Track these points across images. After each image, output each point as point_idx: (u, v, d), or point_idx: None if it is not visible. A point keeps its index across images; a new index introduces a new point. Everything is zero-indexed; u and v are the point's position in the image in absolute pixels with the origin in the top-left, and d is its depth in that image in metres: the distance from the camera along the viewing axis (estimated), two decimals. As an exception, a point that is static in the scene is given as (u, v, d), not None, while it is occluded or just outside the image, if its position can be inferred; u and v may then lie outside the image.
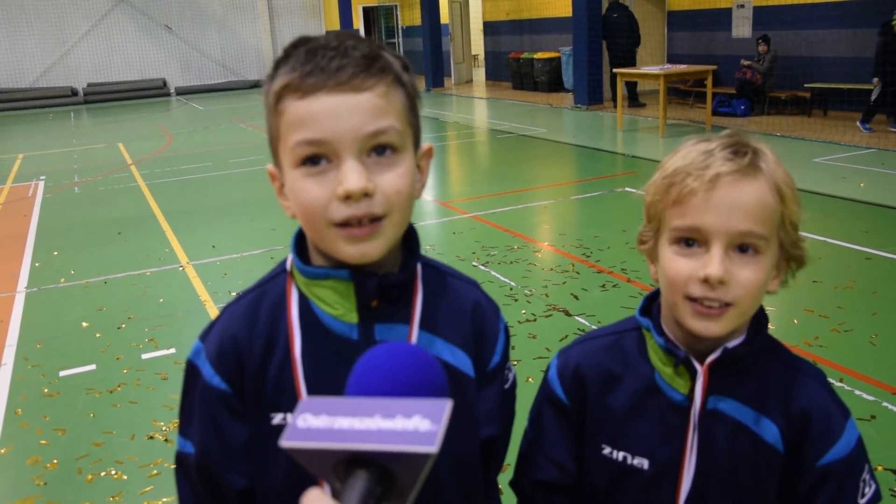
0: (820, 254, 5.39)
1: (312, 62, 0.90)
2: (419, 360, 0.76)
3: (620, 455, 1.10)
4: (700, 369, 1.04)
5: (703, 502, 1.06)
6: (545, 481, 1.16)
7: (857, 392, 3.47)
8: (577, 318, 4.46)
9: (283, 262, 1.05)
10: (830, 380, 3.85)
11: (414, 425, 0.63)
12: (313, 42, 0.93)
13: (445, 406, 0.65)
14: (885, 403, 3.37)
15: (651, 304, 1.12)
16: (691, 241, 0.99)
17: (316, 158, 0.90)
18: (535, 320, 4.45)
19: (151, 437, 3.45)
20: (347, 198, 0.88)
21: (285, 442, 0.64)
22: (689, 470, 1.05)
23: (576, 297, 4.77)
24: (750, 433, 1.04)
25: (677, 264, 1.00)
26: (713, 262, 0.96)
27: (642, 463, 1.08)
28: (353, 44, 0.92)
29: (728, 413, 1.05)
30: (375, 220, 0.91)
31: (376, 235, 0.92)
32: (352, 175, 0.88)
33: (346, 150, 0.89)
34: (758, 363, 1.06)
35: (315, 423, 0.65)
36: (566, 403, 1.14)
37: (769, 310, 3.95)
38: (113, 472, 3.20)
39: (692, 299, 0.99)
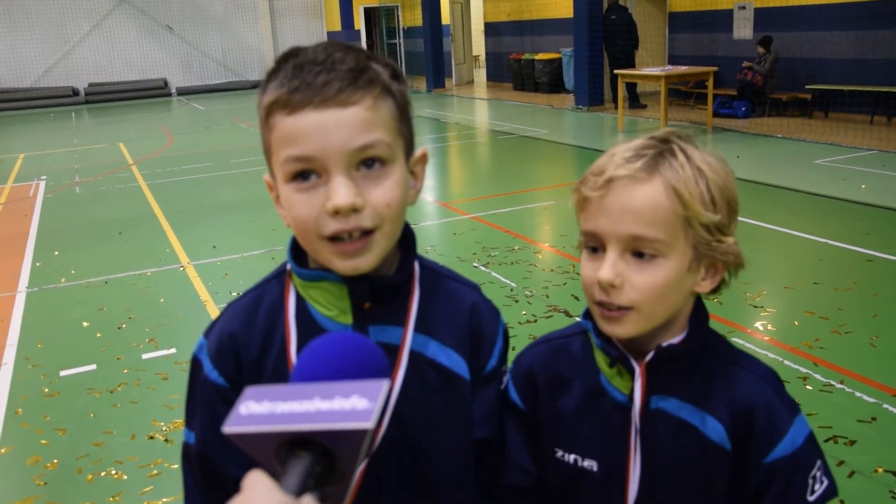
0: (821, 255, 5.39)
1: (299, 78, 0.90)
2: (359, 345, 0.78)
3: (571, 457, 1.10)
4: (638, 368, 1.04)
5: (653, 502, 1.06)
6: (513, 486, 1.16)
7: (858, 394, 3.46)
8: (577, 319, 4.45)
9: (284, 264, 1.07)
10: (831, 381, 3.83)
11: (351, 404, 0.65)
12: (301, 55, 0.93)
13: (382, 385, 0.67)
14: (885, 405, 3.36)
15: None
16: (596, 246, 1.01)
17: (305, 174, 0.91)
18: (535, 321, 4.45)
19: (152, 437, 3.45)
20: (336, 213, 0.90)
21: (227, 428, 0.66)
22: (634, 470, 1.06)
23: (576, 298, 4.76)
24: (695, 432, 1.04)
25: (585, 269, 1.03)
26: (603, 267, 0.98)
27: (592, 465, 1.09)
28: (340, 57, 0.92)
29: (671, 412, 1.05)
30: (366, 233, 0.92)
31: (367, 249, 0.93)
32: (340, 190, 0.89)
33: (335, 165, 0.90)
34: (702, 361, 1.06)
35: (257, 410, 0.67)
36: (522, 407, 1.15)
37: (769, 311, 3.92)
38: (113, 472, 3.20)
39: (598, 303, 1.01)
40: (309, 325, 1.01)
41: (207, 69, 22.92)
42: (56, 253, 6.53)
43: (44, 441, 3.49)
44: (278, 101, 0.91)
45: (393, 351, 1.01)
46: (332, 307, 1.00)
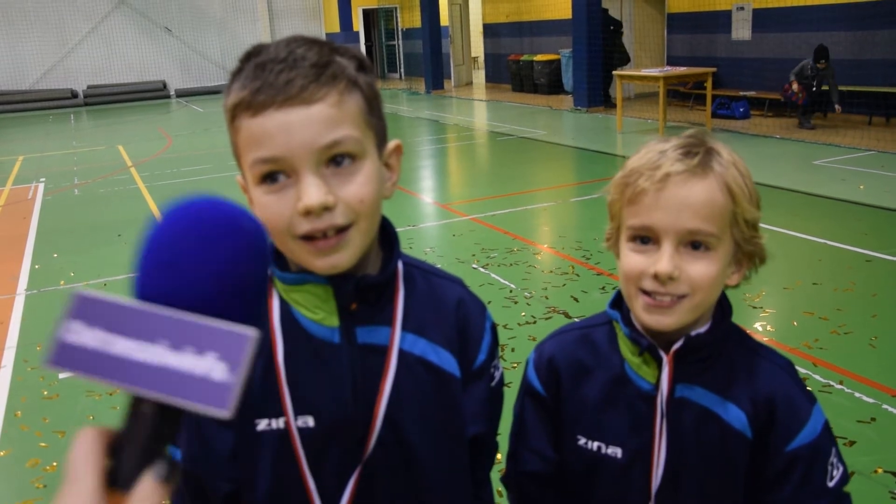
0: (820, 256, 5.40)
1: (261, 78, 0.88)
2: (223, 229, 0.59)
3: (595, 445, 1.13)
4: (665, 357, 1.07)
5: (675, 489, 1.08)
6: (532, 473, 1.18)
7: (857, 394, 3.47)
8: (576, 319, 4.45)
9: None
10: (830, 382, 3.82)
11: (206, 369, 0.51)
12: (263, 54, 0.91)
13: (247, 342, 0.52)
14: (885, 406, 3.36)
15: (622, 297, 1.16)
16: (646, 238, 1.03)
17: (274, 175, 0.89)
18: (534, 322, 4.45)
19: (151, 440, 3.44)
20: (308, 213, 0.88)
21: (47, 364, 0.52)
22: (659, 457, 1.08)
23: (576, 300, 4.77)
24: (718, 420, 1.07)
25: (632, 260, 1.04)
26: (662, 260, 1.00)
27: (616, 452, 1.11)
28: (302, 52, 0.89)
29: (695, 400, 1.08)
30: (341, 230, 0.90)
31: (343, 246, 0.91)
32: (310, 190, 0.87)
33: (303, 164, 0.88)
34: (724, 351, 1.10)
35: (88, 340, 0.52)
36: (544, 395, 1.18)
37: (769, 311, 3.92)
38: (112, 475, 3.20)
39: (645, 292, 1.03)
40: (294, 329, 1.00)
41: (206, 71, 22.91)
42: (55, 255, 6.53)
43: (43, 444, 3.48)
44: (241, 103, 0.89)
45: (382, 351, 1.00)
46: (317, 310, 0.99)
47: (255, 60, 0.90)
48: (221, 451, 1.01)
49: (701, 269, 1.01)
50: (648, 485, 1.09)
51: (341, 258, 0.92)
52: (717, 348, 1.08)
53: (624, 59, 13.70)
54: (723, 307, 1.11)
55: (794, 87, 10.27)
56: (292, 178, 0.89)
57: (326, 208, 0.88)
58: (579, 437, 1.14)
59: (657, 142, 1.06)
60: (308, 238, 0.90)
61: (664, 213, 1.00)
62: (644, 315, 1.04)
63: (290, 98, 0.87)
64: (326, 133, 0.88)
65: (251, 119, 0.89)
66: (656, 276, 1.00)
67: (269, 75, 0.88)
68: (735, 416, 1.06)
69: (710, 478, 1.07)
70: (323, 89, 0.88)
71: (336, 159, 0.90)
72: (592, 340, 1.17)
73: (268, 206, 0.90)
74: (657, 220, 1.00)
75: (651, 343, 1.07)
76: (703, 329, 1.07)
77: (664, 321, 1.02)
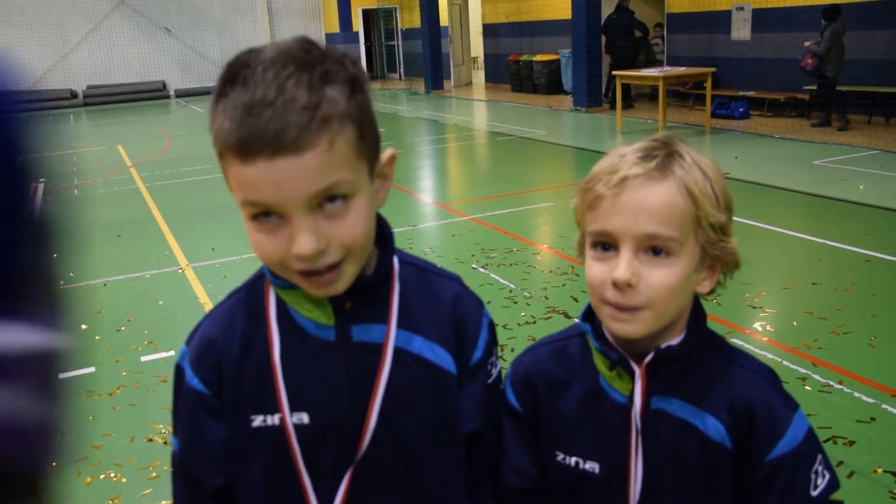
0: (819, 256, 5.40)
1: (249, 125, 0.84)
2: None
3: (572, 460, 1.11)
4: (637, 370, 1.05)
5: (656, 502, 1.06)
6: (513, 489, 1.16)
7: (857, 394, 3.47)
8: (576, 320, 4.45)
9: (263, 266, 1.06)
10: (830, 382, 3.82)
11: None
12: (250, 87, 0.85)
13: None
14: (884, 405, 3.36)
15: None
16: (606, 245, 1.01)
17: (267, 213, 0.90)
18: (534, 322, 4.45)
19: (151, 440, 3.44)
20: (301, 259, 0.89)
21: None
22: (636, 472, 1.06)
23: (575, 300, 4.77)
24: (695, 431, 1.04)
25: (594, 269, 1.02)
26: (620, 266, 0.98)
27: (594, 467, 1.09)
28: (292, 90, 0.84)
29: (672, 412, 1.05)
30: (335, 265, 0.92)
31: (338, 279, 0.93)
32: (302, 238, 0.88)
33: (294, 210, 0.88)
34: (700, 361, 1.07)
35: None
36: (520, 411, 1.16)
37: (768, 311, 3.92)
38: (112, 475, 3.20)
39: (608, 303, 1.01)
40: (291, 326, 1.02)
41: (206, 71, 22.91)
42: (54, 255, 6.51)
43: (43, 444, 3.48)
44: (228, 147, 0.86)
45: (377, 349, 1.01)
46: (313, 309, 1.00)
47: (242, 96, 0.85)
48: (214, 444, 1.03)
49: (661, 277, 0.98)
50: (626, 500, 1.07)
51: (336, 288, 0.95)
52: (693, 359, 1.06)
53: (651, 61, 13.52)
54: (697, 317, 1.08)
55: (805, 58, 10.01)
56: (284, 218, 0.89)
57: (319, 252, 0.90)
58: (557, 452, 1.12)
59: (623, 146, 1.04)
60: (303, 273, 0.92)
61: (621, 218, 0.98)
62: (611, 324, 1.02)
63: (281, 149, 0.84)
64: (318, 180, 0.87)
65: (240, 165, 0.87)
66: (615, 284, 0.98)
67: (259, 121, 0.84)
68: (713, 427, 1.04)
69: (690, 490, 1.05)
70: (314, 136, 0.85)
71: (329, 198, 0.89)
72: (567, 354, 1.15)
73: (261, 244, 0.92)
74: (615, 224, 0.98)
75: (622, 356, 1.05)
76: (675, 341, 1.04)
77: (629, 329, 1.00)
